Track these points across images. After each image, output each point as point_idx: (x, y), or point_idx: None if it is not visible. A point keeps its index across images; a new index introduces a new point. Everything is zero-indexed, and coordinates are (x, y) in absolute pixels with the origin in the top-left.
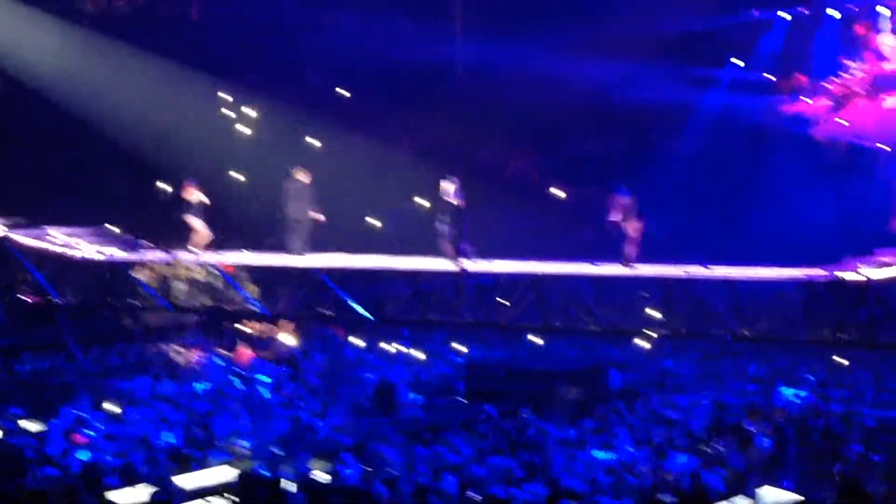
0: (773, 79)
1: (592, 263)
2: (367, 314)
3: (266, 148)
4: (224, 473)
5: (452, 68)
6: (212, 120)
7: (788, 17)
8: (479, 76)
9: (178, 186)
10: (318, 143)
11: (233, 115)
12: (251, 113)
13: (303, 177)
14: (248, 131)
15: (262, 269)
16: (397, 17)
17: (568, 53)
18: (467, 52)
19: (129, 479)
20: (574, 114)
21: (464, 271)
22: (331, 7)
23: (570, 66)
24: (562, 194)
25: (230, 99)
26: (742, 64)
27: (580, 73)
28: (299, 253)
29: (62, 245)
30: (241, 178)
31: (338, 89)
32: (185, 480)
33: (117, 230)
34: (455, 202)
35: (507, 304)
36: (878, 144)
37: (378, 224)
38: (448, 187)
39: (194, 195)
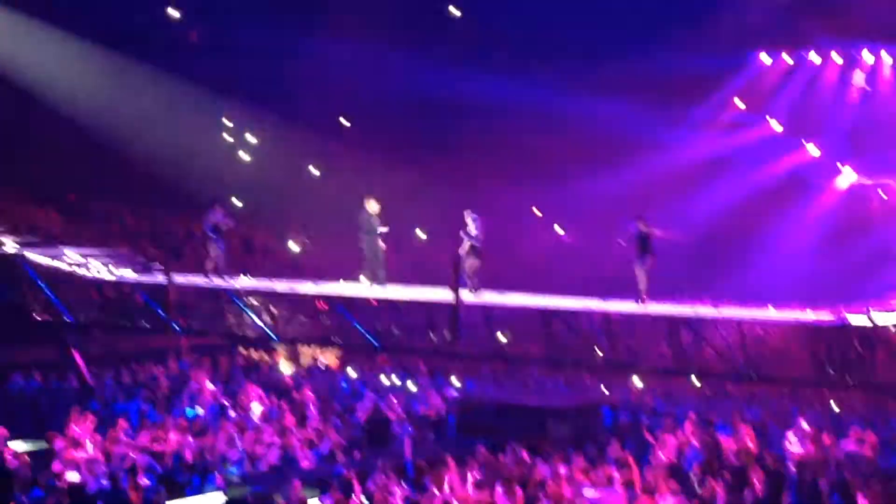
0: (775, 122)
1: (602, 299)
2: (374, 342)
3: (266, 174)
4: (214, 500)
5: (453, 102)
6: (215, 144)
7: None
8: (477, 110)
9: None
10: (317, 172)
11: (233, 139)
12: (252, 139)
13: (373, 207)
14: (247, 157)
15: (273, 294)
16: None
17: (570, 90)
18: (466, 87)
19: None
20: (573, 149)
21: (475, 303)
22: (326, 38)
23: (570, 102)
24: (561, 231)
25: (231, 125)
26: (742, 106)
27: (580, 108)
28: (379, 283)
29: (74, 264)
30: (240, 203)
31: (341, 119)
32: None
33: (132, 252)
34: (476, 235)
35: (512, 336)
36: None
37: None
38: (470, 221)
39: (221, 219)
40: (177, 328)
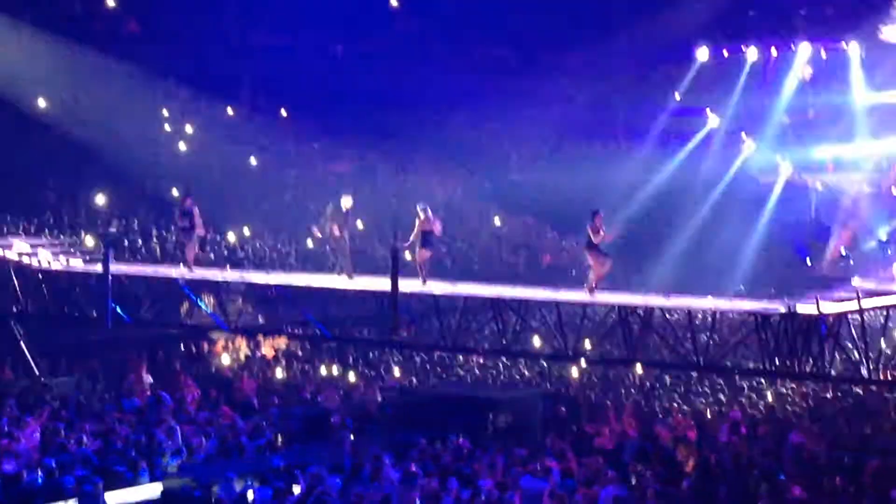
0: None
1: (553, 289)
2: (324, 332)
3: (204, 163)
4: (150, 490)
5: (394, 93)
6: (153, 133)
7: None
8: (417, 101)
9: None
10: (254, 162)
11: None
12: (190, 129)
13: (346, 202)
14: (185, 147)
15: (222, 284)
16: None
17: (509, 83)
18: (407, 78)
19: (55, 494)
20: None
21: (420, 293)
22: (268, 30)
23: (509, 94)
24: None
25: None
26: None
27: (520, 101)
28: (349, 275)
29: (23, 254)
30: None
31: (280, 109)
32: (112, 497)
33: (79, 242)
34: (430, 227)
35: (453, 327)
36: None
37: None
38: (422, 213)
39: (192, 210)
40: (124, 318)
